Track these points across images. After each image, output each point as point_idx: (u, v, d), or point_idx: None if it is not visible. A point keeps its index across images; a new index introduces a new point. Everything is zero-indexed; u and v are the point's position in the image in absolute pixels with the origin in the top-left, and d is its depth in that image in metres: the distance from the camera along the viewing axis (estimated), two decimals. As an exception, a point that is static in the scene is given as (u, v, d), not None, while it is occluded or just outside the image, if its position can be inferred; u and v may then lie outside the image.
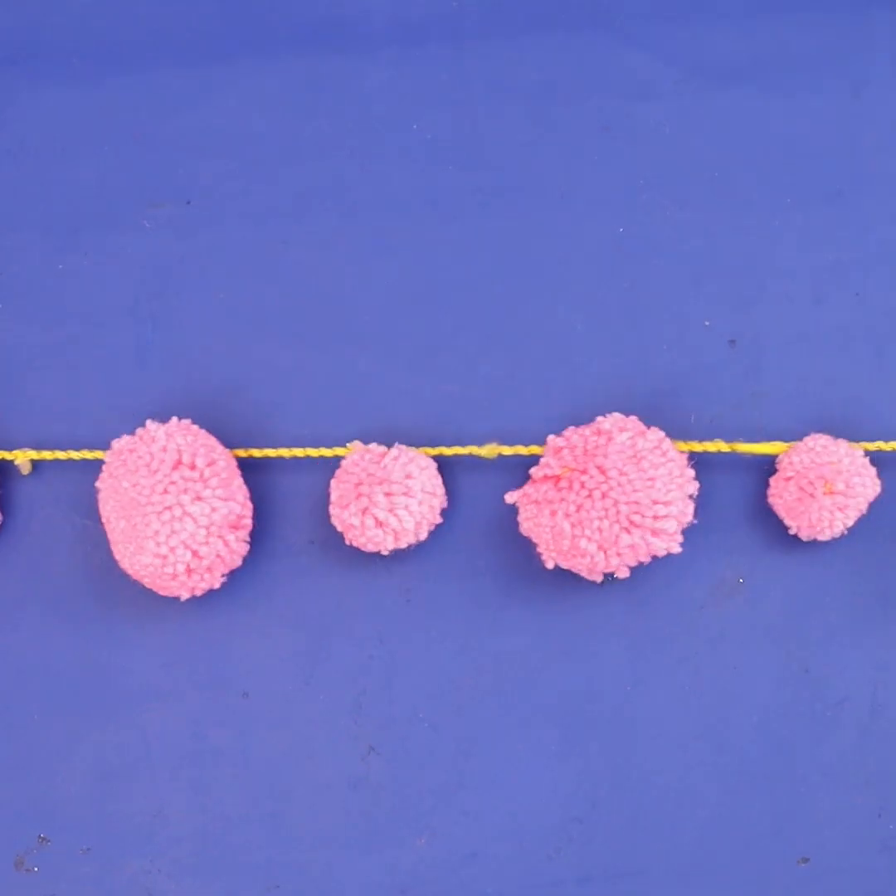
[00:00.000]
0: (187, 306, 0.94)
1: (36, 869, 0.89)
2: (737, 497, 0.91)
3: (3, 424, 0.93)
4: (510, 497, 0.88)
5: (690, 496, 0.86)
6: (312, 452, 0.90)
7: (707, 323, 0.93)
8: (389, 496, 0.87)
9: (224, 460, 0.88)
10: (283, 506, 0.91)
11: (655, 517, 0.84)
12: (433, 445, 0.91)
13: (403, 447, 0.89)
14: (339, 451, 0.90)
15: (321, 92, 0.96)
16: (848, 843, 0.88)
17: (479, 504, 0.91)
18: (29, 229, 0.95)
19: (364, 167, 0.95)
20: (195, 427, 0.89)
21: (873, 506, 0.88)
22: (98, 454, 0.91)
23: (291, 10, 0.97)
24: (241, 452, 0.91)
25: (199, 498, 0.86)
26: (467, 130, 0.96)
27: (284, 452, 0.91)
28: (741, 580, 0.90)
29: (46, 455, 0.92)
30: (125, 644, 0.90)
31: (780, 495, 0.88)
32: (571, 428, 0.88)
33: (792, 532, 0.88)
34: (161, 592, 0.87)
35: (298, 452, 0.91)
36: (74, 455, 0.91)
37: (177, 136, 0.96)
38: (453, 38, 0.97)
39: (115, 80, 0.97)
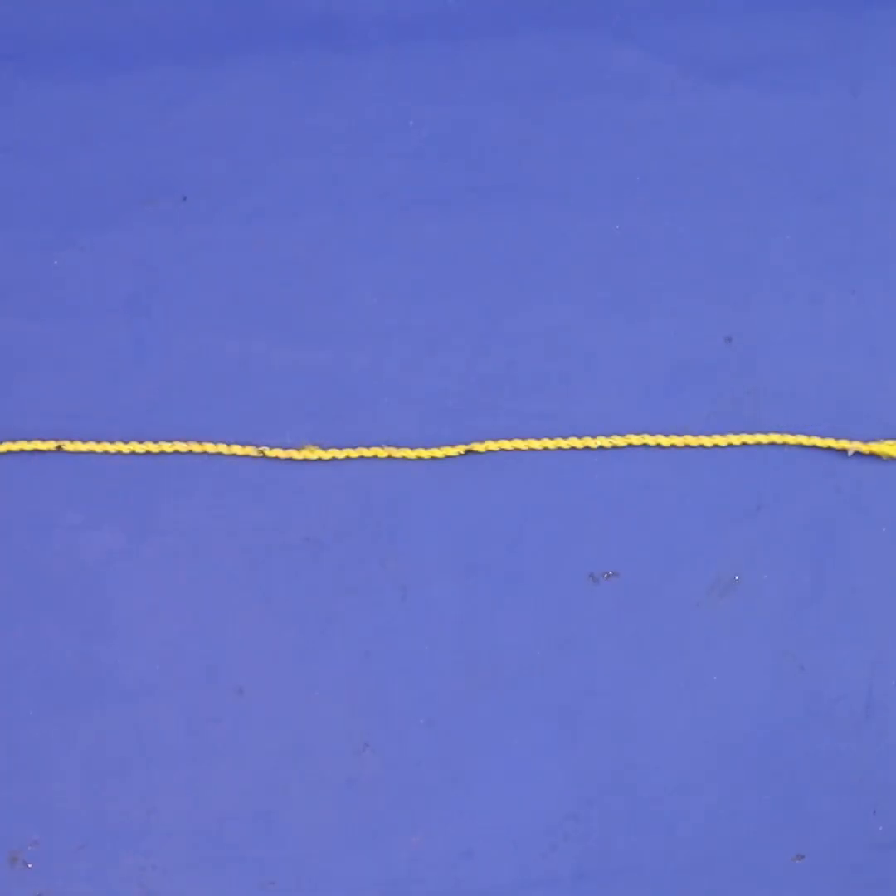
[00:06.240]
0: (183, 303, 0.94)
1: (30, 865, 0.89)
2: (732, 494, 0.91)
3: (-2, 420, 0.93)
4: None
5: None
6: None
7: (704, 320, 0.93)
8: None
9: None
10: (280, 503, 0.91)
11: None
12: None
13: None
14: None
15: (316, 89, 0.96)
16: (843, 841, 0.89)
17: (478, 501, 0.91)
18: (24, 225, 0.95)
19: (359, 164, 0.95)
20: None
21: (870, 505, 0.89)
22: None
23: (286, 7, 0.97)
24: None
25: None
26: (463, 128, 0.96)
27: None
28: (737, 578, 0.90)
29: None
30: (119, 640, 0.90)
31: None
32: None
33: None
34: None
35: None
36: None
37: (172, 132, 0.96)
38: (449, 35, 0.97)
39: (109, 76, 0.96)
